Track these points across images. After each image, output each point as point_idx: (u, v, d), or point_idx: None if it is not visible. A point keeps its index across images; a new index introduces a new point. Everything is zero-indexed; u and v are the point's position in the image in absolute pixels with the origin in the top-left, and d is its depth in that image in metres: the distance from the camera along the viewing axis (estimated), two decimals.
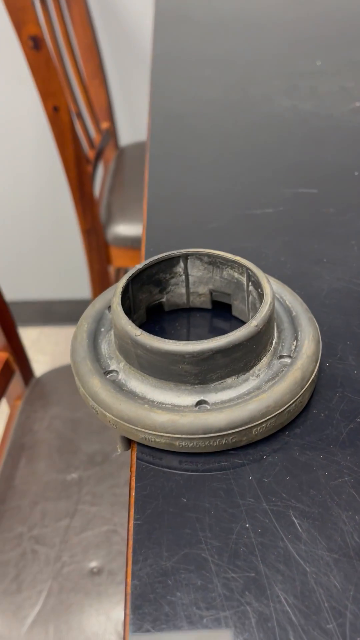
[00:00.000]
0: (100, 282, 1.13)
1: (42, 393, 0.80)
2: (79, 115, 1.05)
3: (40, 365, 1.29)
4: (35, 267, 1.51)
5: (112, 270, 1.15)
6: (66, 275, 1.52)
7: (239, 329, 0.30)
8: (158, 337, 0.30)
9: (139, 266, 0.35)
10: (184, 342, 0.30)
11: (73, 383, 0.82)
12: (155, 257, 0.36)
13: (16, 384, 0.79)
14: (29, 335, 1.53)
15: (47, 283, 1.55)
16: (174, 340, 0.30)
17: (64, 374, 0.83)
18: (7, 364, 0.74)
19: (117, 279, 1.18)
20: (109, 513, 0.64)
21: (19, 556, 0.61)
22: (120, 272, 1.21)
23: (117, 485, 0.67)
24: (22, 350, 0.79)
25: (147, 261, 0.35)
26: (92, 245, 1.08)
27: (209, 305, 0.39)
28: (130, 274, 0.34)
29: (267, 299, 0.32)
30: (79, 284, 1.49)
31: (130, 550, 0.26)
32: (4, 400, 0.79)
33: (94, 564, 0.60)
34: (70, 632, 0.56)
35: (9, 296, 0.89)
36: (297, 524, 0.27)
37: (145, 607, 0.24)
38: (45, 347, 1.53)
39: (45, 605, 0.57)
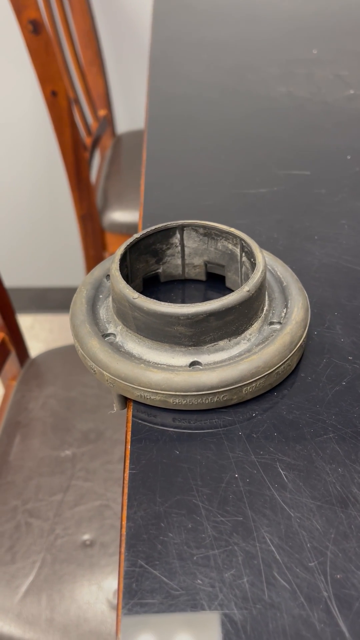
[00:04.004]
0: None
1: (37, 373, 0.81)
2: (77, 102, 1.06)
3: (34, 352, 1.29)
4: (30, 253, 1.52)
5: (107, 256, 1.16)
6: (61, 262, 1.52)
7: (231, 294, 0.32)
8: (154, 300, 0.31)
9: (137, 235, 0.36)
10: (179, 304, 0.31)
11: (68, 364, 0.84)
12: (153, 227, 0.37)
13: (12, 364, 0.80)
14: (23, 322, 1.54)
15: (42, 270, 1.55)
16: (169, 303, 0.31)
17: (59, 355, 0.84)
18: (3, 344, 0.75)
19: None
20: (102, 489, 0.66)
21: (14, 528, 0.62)
22: None
23: (110, 462, 0.68)
24: (18, 331, 0.80)
25: (145, 231, 0.37)
26: (87, 231, 1.09)
27: (203, 277, 0.40)
28: (128, 242, 0.36)
29: (259, 266, 0.33)
30: (73, 271, 1.50)
31: (126, 496, 0.27)
32: None
33: (86, 536, 0.62)
34: (62, 601, 0.58)
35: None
36: (284, 475, 0.28)
37: (139, 545, 0.25)
38: (39, 334, 1.54)
39: (38, 575, 0.59)
